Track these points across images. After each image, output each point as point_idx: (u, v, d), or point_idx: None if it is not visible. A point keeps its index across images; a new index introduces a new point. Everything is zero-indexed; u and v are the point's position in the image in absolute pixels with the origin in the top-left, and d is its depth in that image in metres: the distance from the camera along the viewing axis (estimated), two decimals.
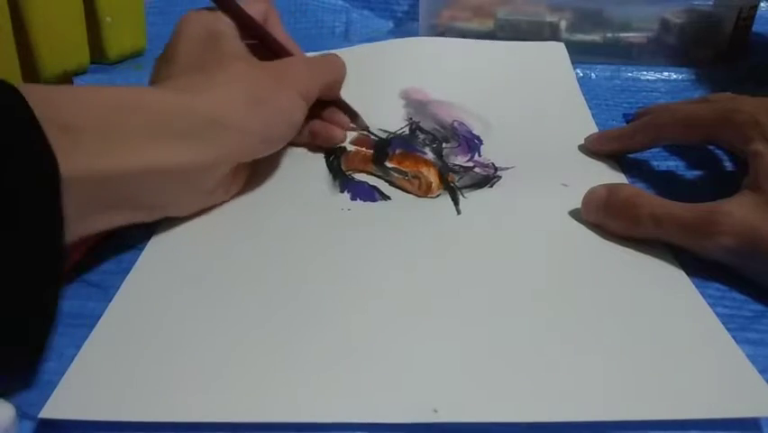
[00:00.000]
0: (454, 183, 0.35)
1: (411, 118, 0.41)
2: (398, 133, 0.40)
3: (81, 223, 0.25)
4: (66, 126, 0.24)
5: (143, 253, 0.30)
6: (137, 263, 0.29)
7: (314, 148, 0.38)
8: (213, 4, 0.34)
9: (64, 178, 0.22)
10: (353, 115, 0.39)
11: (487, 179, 0.35)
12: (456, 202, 0.33)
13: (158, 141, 0.27)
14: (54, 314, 0.22)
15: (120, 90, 0.28)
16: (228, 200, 0.33)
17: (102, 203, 0.26)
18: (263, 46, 0.36)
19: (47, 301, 0.22)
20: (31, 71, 0.45)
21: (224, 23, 0.34)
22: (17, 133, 0.22)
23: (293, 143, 0.37)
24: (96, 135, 0.25)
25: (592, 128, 0.40)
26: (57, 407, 0.22)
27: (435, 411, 0.22)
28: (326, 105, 0.38)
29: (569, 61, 0.47)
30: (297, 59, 0.36)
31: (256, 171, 0.35)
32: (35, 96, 0.22)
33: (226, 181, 0.32)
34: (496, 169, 0.36)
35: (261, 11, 0.37)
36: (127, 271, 0.28)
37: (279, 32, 0.38)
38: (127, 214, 0.28)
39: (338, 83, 0.37)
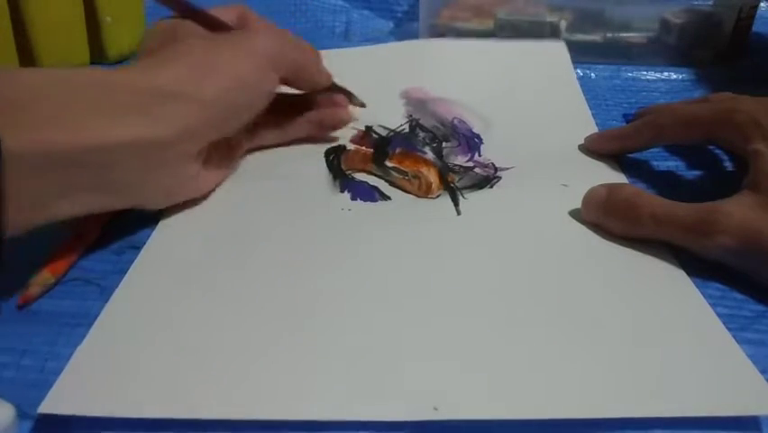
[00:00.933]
0: (454, 184, 0.35)
1: (411, 116, 0.41)
2: (399, 130, 0.40)
3: (42, 205, 0.25)
4: (10, 101, 0.24)
5: (143, 250, 0.30)
6: (137, 260, 0.29)
7: (313, 146, 0.38)
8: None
9: (9, 152, 0.22)
10: (348, 95, 0.39)
11: (487, 179, 0.35)
12: (456, 203, 0.33)
13: (108, 115, 0.26)
14: None
15: (66, 69, 0.28)
16: (214, 190, 0.32)
17: (61, 183, 0.25)
18: None
19: None
20: None
21: (189, 23, 0.33)
22: None
23: (291, 139, 0.37)
24: (42, 110, 0.25)
25: (592, 128, 0.40)
26: (55, 402, 0.22)
27: (435, 409, 0.22)
28: (316, 96, 0.38)
29: (569, 61, 0.47)
30: (260, 28, 0.34)
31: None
32: None
33: (195, 168, 0.31)
34: (496, 169, 0.36)
35: (235, 15, 0.35)
36: (126, 270, 0.28)
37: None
38: (94, 197, 0.27)
39: (308, 66, 0.36)
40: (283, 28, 0.35)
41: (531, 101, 0.43)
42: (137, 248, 0.30)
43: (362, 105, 0.40)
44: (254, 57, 0.32)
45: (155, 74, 0.28)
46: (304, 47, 0.35)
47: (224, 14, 0.35)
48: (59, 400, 0.22)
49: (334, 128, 0.38)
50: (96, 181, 0.27)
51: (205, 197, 0.33)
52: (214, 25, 0.33)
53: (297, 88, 0.37)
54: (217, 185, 0.33)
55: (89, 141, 0.26)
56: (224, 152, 0.33)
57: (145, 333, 0.25)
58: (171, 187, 0.31)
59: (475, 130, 0.40)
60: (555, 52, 0.47)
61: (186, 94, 0.29)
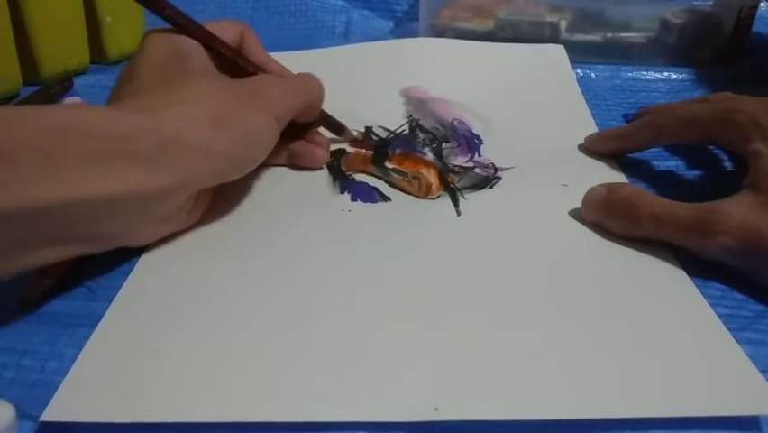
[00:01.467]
0: (454, 184, 0.35)
1: (411, 115, 0.41)
2: (398, 131, 0.40)
3: (8, 260, 0.23)
4: None
5: (144, 253, 0.30)
6: (138, 264, 0.29)
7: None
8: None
9: None
10: (340, 129, 0.38)
11: (487, 179, 0.35)
12: (456, 203, 0.33)
13: (104, 166, 0.24)
14: None
15: (61, 111, 0.26)
16: (186, 229, 0.31)
17: (38, 237, 0.24)
18: (237, 67, 0.33)
19: None
20: (31, 71, 0.46)
21: (191, 42, 0.32)
22: None
23: (270, 164, 0.36)
24: (33, 162, 0.23)
25: (592, 128, 0.40)
26: (59, 409, 0.22)
27: (436, 410, 0.22)
28: (308, 124, 0.36)
29: (569, 64, 0.47)
30: (269, 78, 0.33)
31: (231, 189, 0.33)
32: None
33: (186, 208, 0.29)
34: (496, 169, 0.36)
35: (235, 32, 0.34)
36: (127, 272, 0.28)
37: (258, 52, 0.35)
38: (68, 249, 0.25)
39: (315, 104, 0.35)
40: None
41: (531, 102, 0.43)
42: (139, 250, 0.30)
43: (354, 140, 0.38)
44: (262, 111, 0.30)
45: (163, 118, 0.26)
46: (312, 87, 0.34)
47: (225, 30, 0.33)
48: (63, 407, 0.22)
49: (308, 166, 0.36)
50: (75, 233, 0.25)
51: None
52: (214, 44, 0.32)
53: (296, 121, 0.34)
54: (203, 213, 0.32)
55: (84, 195, 0.24)
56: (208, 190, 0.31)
57: (147, 337, 0.25)
58: (152, 233, 0.29)
59: (475, 131, 0.40)
60: (555, 55, 0.47)
61: (195, 145, 0.27)
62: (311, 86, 0.34)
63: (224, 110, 0.28)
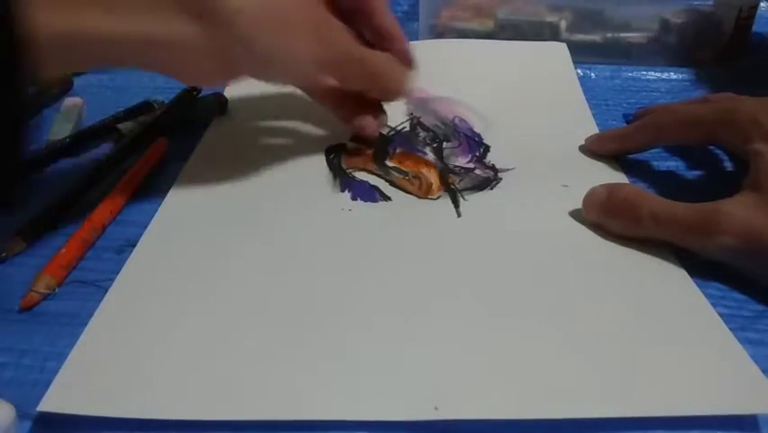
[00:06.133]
0: (455, 185, 0.35)
1: (412, 113, 0.41)
2: (399, 128, 0.40)
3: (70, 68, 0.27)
4: None
5: (138, 246, 0.30)
6: (132, 256, 0.29)
7: (314, 144, 0.38)
8: None
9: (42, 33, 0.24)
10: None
11: (487, 180, 0.35)
12: (456, 204, 0.33)
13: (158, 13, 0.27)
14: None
15: None
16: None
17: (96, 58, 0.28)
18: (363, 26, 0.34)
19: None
20: None
21: None
22: None
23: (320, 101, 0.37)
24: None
25: (593, 129, 0.40)
26: (55, 400, 0.22)
27: (436, 409, 0.22)
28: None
29: (570, 62, 0.47)
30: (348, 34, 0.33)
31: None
32: None
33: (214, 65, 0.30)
34: (496, 171, 0.36)
35: None
36: None
37: (384, 15, 0.35)
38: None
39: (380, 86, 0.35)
40: None
41: (532, 101, 0.43)
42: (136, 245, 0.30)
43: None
44: (314, 51, 0.31)
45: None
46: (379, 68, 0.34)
47: None
48: (58, 399, 0.22)
49: (360, 130, 0.37)
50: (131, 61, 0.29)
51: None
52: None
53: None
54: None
55: (134, 34, 0.27)
56: None
57: (142, 331, 0.25)
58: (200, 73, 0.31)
59: (476, 129, 0.40)
60: (557, 53, 0.47)
61: (241, 27, 0.28)
62: (381, 67, 0.34)
63: (288, 19, 0.29)
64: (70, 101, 0.43)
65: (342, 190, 0.34)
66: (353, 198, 0.34)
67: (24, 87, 0.24)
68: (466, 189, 0.34)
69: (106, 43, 0.27)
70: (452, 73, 0.45)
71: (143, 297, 0.27)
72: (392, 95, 0.36)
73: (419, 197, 0.34)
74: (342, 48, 0.32)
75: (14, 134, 0.25)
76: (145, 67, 0.31)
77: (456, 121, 0.40)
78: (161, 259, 0.29)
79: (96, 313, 0.26)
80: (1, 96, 0.23)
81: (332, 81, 0.33)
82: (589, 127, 0.40)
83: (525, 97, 0.43)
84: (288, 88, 0.37)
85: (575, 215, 0.32)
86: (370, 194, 0.34)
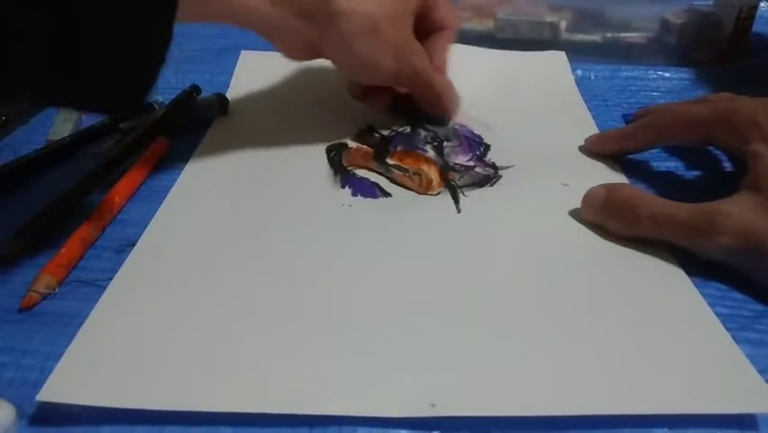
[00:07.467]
0: (455, 182, 0.35)
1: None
2: (400, 130, 0.40)
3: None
4: None
5: (140, 241, 0.30)
6: (135, 249, 0.29)
7: (314, 143, 0.38)
8: None
9: None
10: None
11: (487, 178, 0.35)
12: (456, 201, 0.33)
13: None
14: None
15: None
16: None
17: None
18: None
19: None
20: None
21: None
22: None
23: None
24: None
25: (593, 130, 0.40)
26: (54, 390, 0.22)
27: (433, 406, 0.22)
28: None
29: (569, 70, 0.47)
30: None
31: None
32: None
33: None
34: (496, 168, 0.36)
35: None
36: None
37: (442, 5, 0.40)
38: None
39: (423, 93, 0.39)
40: None
41: (531, 106, 0.43)
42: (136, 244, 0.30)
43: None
44: (399, 63, 0.36)
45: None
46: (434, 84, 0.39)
47: None
48: (57, 389, 0.22)
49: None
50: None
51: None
52: None
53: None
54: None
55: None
56: None
57: (142, 324, 0.25)
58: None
59: (476, 131, 0.40)
60: (556, 61, 0.48)
61: (342, 27, 0.34)
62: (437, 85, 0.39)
63: (381, 34, 0.34)
64: None
65: (343, 187, 0.34)
66: (354, 195, 0.34)
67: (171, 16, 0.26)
68: (466, 186, 0.35)
69: (235, 6, 0.33)
70: (452, 78, 0.45)
71: (144, 291, 0.27)
72: (443, 113, 0.40)
73: (419, 193, 0.34)
74: (417, 69, 0.37)
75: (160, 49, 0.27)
76: (257, 33, 0.36)
77: (456, 126, 0.40)
78: (161, 257, 0.29)
79: (95, 307, 0.26)
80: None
81: (401, 89, 0.40)
82: (588, 129, 0.40)
83: (524, 103, 0.43)
84: (290, 87, 0.37)
85: (574, 214, 0.32)
86: (370, 190, 0.34)
